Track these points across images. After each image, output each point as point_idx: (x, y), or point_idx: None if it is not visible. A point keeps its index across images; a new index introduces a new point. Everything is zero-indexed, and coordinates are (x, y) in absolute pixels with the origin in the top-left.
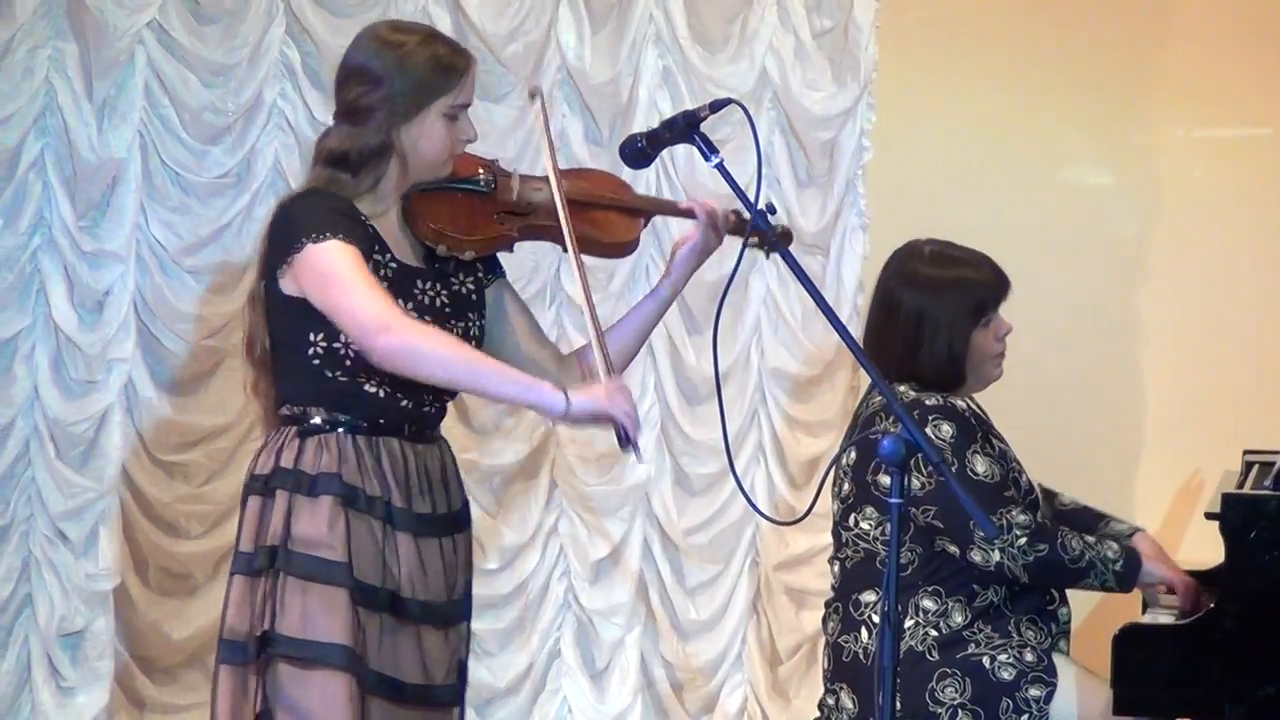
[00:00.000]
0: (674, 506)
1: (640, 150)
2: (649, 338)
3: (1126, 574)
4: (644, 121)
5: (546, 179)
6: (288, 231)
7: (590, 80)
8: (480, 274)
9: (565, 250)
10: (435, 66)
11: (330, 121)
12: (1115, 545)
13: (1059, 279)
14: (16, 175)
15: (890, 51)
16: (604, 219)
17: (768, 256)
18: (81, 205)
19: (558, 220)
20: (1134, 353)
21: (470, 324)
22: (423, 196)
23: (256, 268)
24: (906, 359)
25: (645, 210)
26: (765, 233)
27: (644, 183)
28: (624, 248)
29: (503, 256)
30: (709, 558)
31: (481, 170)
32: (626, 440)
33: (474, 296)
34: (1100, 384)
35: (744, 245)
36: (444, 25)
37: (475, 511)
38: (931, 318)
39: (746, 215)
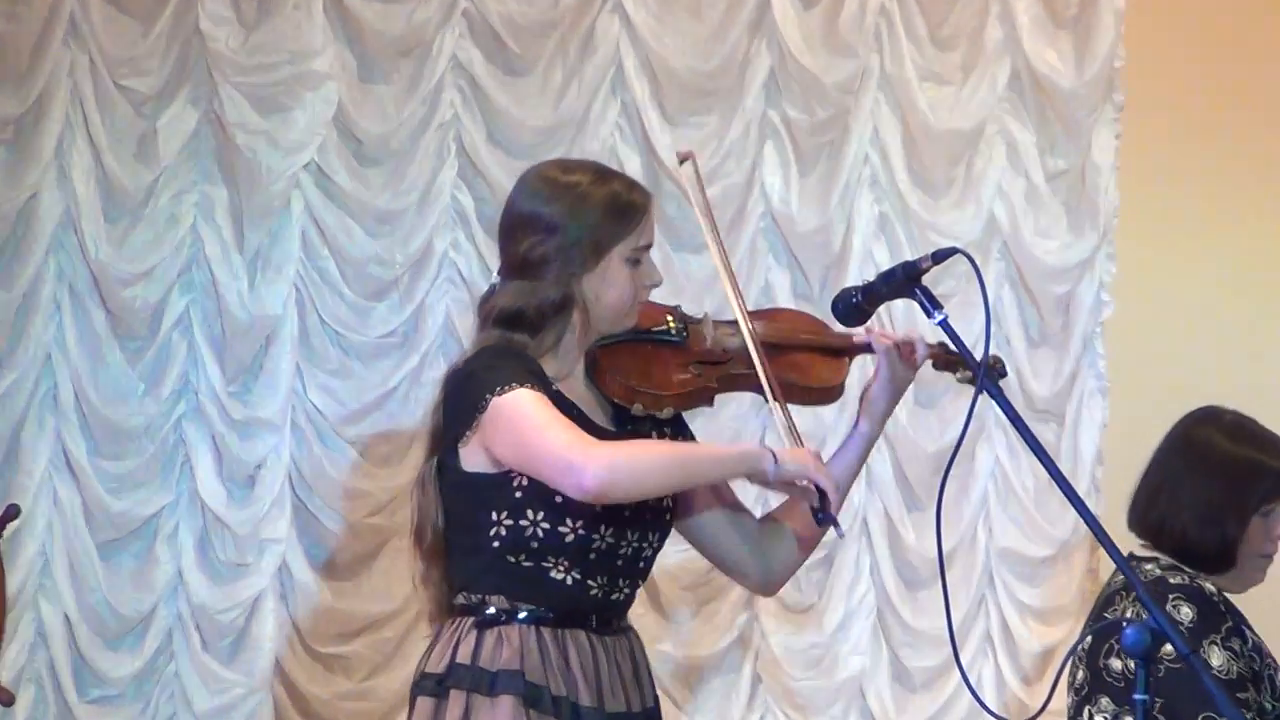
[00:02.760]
0: (892, 703)
1: (855, 306)
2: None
3: None
4: (858, 274)
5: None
6: (468, 394)
7: (798, 228)
8: (669, 435)
9: (766, 399)
10: (614, 208)
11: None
12: None
13: None
14: (160, 335)
15: (1132, 195)
16: (806, 362)
17: (980, 391)
18: (231, 368)
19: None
20: None
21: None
22: (610, 351)
23: (427, 446)
24: (1174, 531)
25: (849, 349)
26: (971, 368)
27: None
28: (831, 392)
29: (700, 422)
30: None
31: (669, 317)
32: (825, 513)
33: None
34: None
35: (972, 406)
36: (633, 167)
37: (668, 709)
38: (1211, 493)
39: (952, 349)
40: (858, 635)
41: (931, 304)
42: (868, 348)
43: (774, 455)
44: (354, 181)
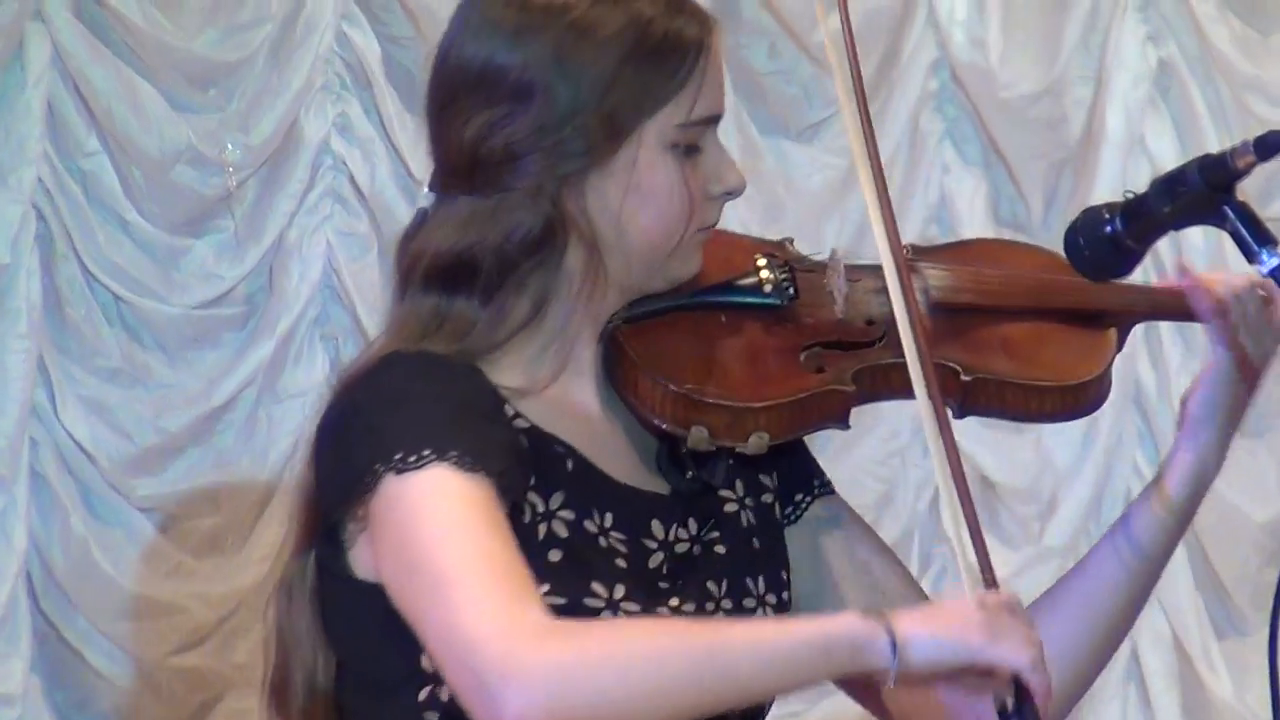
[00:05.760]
0: None
1: (1110, 238)
2: (1130, 625)
3: None
4: (1116, 182)
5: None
6: (349, 452)
7: (1001, 91)
8: (772, 489)
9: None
10: (644, 44)
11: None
12: None
13: None
14: None
15: None
16: (1030, 338)
17: None
18: None
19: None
20: None
21: (755, 596)
22: (644, 330)
23: (295, 529)
24: None
25: (1119, 311)
26: None
27: None
28: (1081, 396)
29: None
30: None
31: (762, 261)
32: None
33: (759, 538)
34: None
35: None
36: None
37: None
38: None
39: None
40: None
41: (1257, 237)
42: (1177, 308)
43: (890, 633)
44: (149, 7)
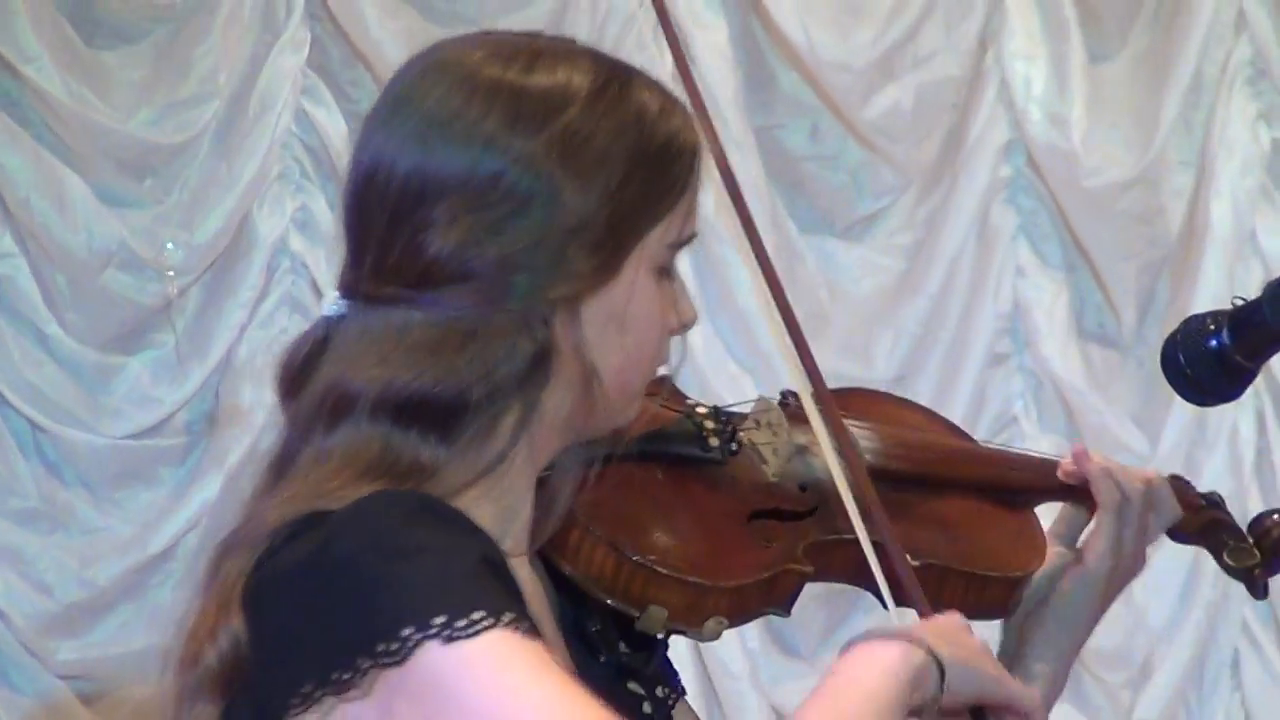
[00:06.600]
0: None
1: (1216, 353)
2: None
3: None
4: (1223, 284)
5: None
6: (352, 610)
7: (1086, 179)
8: (662, 684)
9: (884, 603)
10: (649, 141)
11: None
12: None
13: None
14: None
15: None
16: (966, 518)
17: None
18: None
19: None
20: None
21: None
22: (590, 494)
23: (188, 680)
24: None
25: (1030, 490)
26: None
27: (1181, 425)
28: (1017, 593)
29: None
30: None
31: (703, 410)
32: None
33: None
34: None
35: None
36: (717, 37)
37: None
38: None
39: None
40: None
41: None
42: (1080, 492)
43: (936, 658)
44: (73, 80)
